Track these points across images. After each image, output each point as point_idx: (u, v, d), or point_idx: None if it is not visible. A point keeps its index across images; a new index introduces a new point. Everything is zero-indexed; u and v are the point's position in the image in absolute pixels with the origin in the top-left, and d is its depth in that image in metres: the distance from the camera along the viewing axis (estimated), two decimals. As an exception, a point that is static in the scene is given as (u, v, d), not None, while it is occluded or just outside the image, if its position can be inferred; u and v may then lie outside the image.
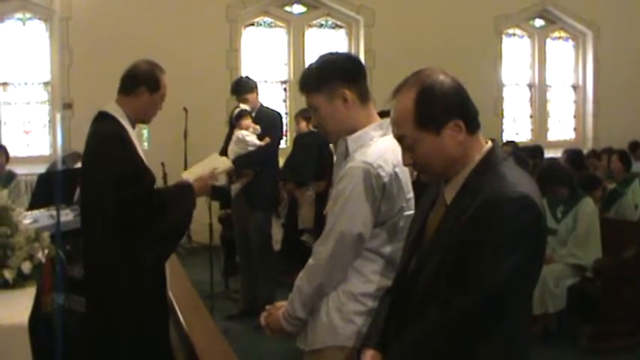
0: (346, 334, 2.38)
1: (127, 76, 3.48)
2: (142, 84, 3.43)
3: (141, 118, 3.52)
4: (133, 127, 3.47)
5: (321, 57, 2.58)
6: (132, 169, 3.32)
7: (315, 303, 2.41)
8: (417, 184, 2.55)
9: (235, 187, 5.90)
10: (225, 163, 3.96)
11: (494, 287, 1.85)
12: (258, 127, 5.98)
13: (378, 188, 2.34)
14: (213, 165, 3.94)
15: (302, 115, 7.39)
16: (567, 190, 5.75)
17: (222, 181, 4.02)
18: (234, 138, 5.99)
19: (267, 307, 2.60)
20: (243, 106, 6.08)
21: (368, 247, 2.39)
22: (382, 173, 2.34)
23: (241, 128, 5.96)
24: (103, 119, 3.42)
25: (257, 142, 5.95)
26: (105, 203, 3.28)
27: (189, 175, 3.79)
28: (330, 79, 2.45)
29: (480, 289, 1.85)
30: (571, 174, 6.09)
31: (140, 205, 3.29)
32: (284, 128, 7.21)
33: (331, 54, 2.65)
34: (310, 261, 2.41)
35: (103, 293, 3.35)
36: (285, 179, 6.91)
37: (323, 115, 2.49)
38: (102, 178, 3.31)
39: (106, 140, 3.36)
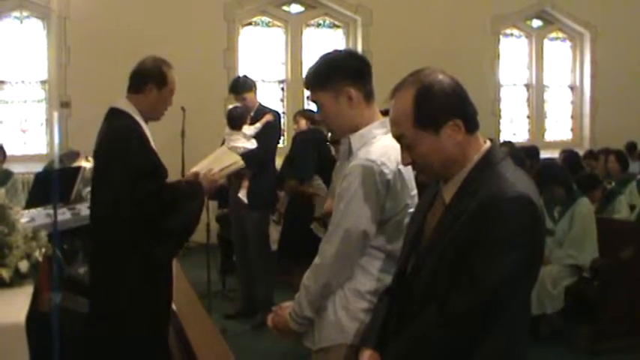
0: (354, 332, 2.37)
1: (134, 74, 3.48)
2: (149, 81, 3.43)
3: (151, 115, 3.50)
4: (146, 123, 3.46)
5: (328, 54, 2.59)
6: (147, 164, 3.31)
7: (322, 301, 2.40)
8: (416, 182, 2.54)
9: (242, 194, 5.89)
10: (235, 162, 3.91)
11: (492, 286, 1.84)
12: (258, 124, 5.98)
13: (382, 185, 2.34)
14: (222, 161, 3.86)
15: (301, 113, 7.38)
16: (564, 190, 5.75)
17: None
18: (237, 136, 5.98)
19: (274, 308, 2.58)
20: (231, 105, 6.11)
21: (373, 245, 2.39)
22: (386, 170, 2.34)
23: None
24: (116, 115, 3.41)
25: (253, 145, 5.95)
26: (120, 198, 3.26)
27: (199, 168, 3.74)
28: (336, 77, 2.44)
29: (478, 289, 1.85)
30: (568, 174, 6.09)
31: (153, 201, 3.28)
32: (282, 128, 7.19)
33: (338, 51, 2.67)
34: (316, 260, 2.41)
35: (110, 292, 3.33)
36: (286, 177, 6.87)
37: (327, 113, 2.49)
38: (117, 173, 3.29)
39: (121, 135, 3.34)
